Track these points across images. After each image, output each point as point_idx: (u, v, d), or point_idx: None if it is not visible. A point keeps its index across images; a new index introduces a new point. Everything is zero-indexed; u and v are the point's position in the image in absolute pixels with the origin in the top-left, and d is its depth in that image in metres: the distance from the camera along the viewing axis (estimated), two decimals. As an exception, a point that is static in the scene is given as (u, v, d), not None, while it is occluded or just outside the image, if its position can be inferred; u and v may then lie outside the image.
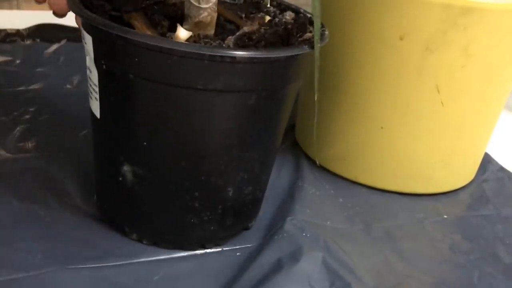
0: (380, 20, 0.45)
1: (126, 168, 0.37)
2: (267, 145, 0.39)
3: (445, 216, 0.49)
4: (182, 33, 0.34)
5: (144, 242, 0.40)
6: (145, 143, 0.36)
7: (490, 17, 0.43)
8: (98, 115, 0.37)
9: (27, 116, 0.54)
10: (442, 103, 0.46)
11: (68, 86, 0.62)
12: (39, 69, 0.64)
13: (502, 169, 0.57)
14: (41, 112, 0.55)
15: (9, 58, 0.66)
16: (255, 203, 0.42)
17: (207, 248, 0.40)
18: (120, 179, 0.37)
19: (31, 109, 0.55)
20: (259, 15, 0.37)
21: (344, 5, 0.47)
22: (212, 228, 0.39)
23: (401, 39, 0.45)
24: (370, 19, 0.46)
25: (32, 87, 0.60)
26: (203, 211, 0.38)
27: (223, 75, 0.33)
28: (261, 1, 0.42)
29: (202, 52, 0.32)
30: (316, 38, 0.34)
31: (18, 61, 0.65)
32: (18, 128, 0.52)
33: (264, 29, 0.37)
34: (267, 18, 0.37)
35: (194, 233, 0.39)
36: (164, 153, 0.36)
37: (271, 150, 0.40)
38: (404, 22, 0.44)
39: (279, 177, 0.50)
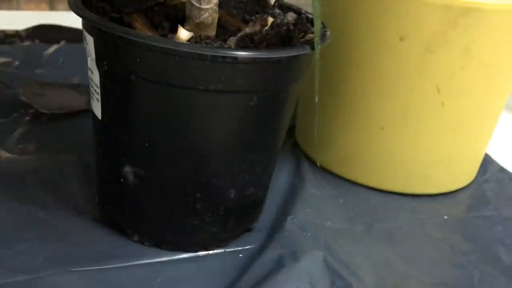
0: (380, 20, 0.45)
1: (127, 169, 0.37)
2: (268, 146, 0.39)
3: (446, 217, 0.49)
4: (183, 34, 0.34)
5: (146, 244, 0.39)
6: (146, 144, 0.35)
7: (491, 17, 0.43)
8: (99, 116, 0.37)
9: (27, 118, 0.54)
10: (442, 104, 0.46)
11: (68, 87, 0.61)
12: (38, 70, 0.64)
13: (502, 170, 0.57)
14: (41, 113, 0.55)
15: (8, 59, 0.66)
16: (257, 204, 0.42)
17: (209, 250, 0.40)
18: (122, 180, 0.37)
19: (31, 111, 0.55)
20: (263, 17, 0.37)
21: (345, 6, 0.47)
22: (214, 229, 0.39)
23: (401, 39, 0.45)
24: (370, 19, 0.46)
25: (31, 88, 0.60)
26: (205, 213, 0.38)
27: (224, 76, 0.33)
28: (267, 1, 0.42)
29: (204, 53, 0.32)
30: (317, 39, 0.34)
31: (17, 62, 0.65)
32: (18, 130, 0.52)
33: (266, 30, 0.37)
34: (270, 20, 0.37)
35: (196, 235, 0.39)
36: (166, 154, 0.36)
37: (273, 151, 0.40)
38: (404, 23, 0.44)
39: (279, 177, 0.50)
